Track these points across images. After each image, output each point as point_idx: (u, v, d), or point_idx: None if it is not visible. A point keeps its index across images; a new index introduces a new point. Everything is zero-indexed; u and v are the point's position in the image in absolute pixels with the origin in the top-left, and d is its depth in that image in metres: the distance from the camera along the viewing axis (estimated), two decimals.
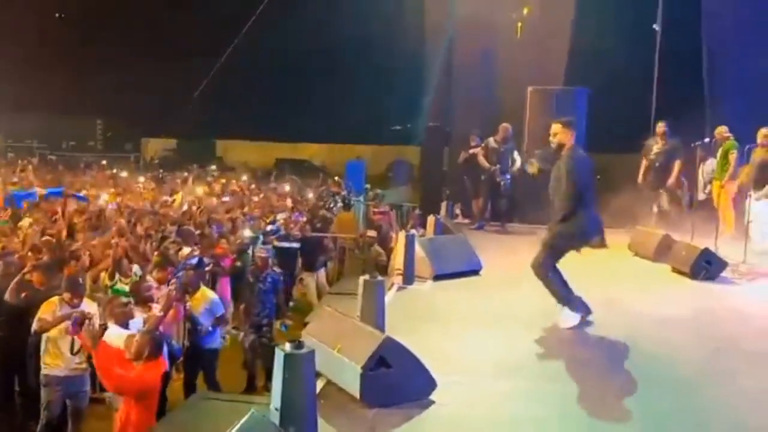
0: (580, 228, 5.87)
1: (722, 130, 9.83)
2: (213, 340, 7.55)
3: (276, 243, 10.74)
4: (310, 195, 16.71)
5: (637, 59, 12.19)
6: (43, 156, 31.40)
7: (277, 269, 8.72)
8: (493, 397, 4.61)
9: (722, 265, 7.89)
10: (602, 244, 6.11)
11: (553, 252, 5.90)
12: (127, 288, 7.18)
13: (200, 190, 15.63)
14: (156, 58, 31.37)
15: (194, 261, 8.48)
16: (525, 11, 12.65)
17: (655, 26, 11.62)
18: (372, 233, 11.07)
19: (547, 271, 5.87)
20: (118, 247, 7.80)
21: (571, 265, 7.87)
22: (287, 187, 17.46)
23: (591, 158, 6.03)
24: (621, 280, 7.76)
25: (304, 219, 11.98)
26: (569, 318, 5.92)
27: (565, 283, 5.92)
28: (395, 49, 20.17)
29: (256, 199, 15.07)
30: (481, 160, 10.61)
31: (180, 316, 7.11)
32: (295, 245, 11.12)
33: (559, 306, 5.96)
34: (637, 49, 12.16)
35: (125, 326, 5.93)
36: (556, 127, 5.91)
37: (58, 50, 31.89)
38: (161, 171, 24.48)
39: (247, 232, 10.32)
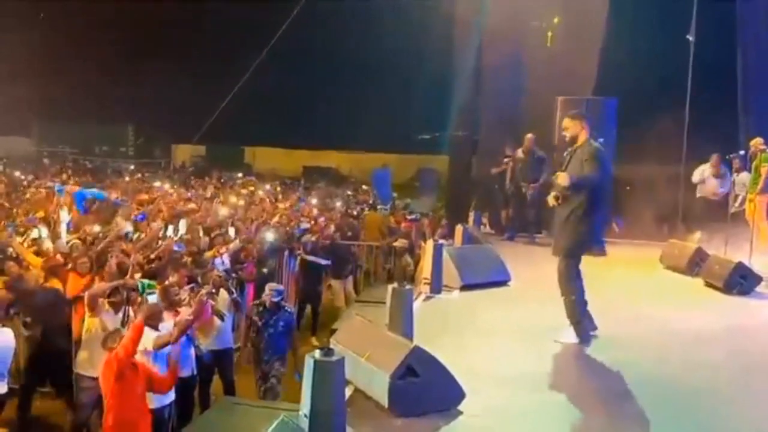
0: (585, 235, 5.74)
1: (758, 142, 9.63)
2: (228, 340, 7.59)
3: (304, 256, 10.62)
4: (338, 204, 16.74)
5: (670, 70, 12.03)
6: (76, 161, 31.96)
7: (289, 308, 7.88)
8: (522, 409, 4.56)
9: (757, 279, 7.73)
10: (602, 252, 5.95)
11: (574, 260, 5.79)
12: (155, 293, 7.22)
13: (233, 197, 15.76)
14: (187, 66, 31.83)
15: (219, 262, 8.57)
16: (555, 20, 12.58)
17: (688, 36, 11.46)
18: (403, 242, 11.05)
19: (571, 281, 5.77)
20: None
21: (601, 277, 7.79)
22: (314, 199, 17.50)
23: (609, 156, 5.92)
24: (652, 294, 7.64)
25: (333, 229, 11.98)
26: (570, 335, 5.81)
27: (583, 302, 5.81)
28: (423, 58, 20.19)
29: (281, 206, 15.15)
30: (507, 172, 10.60)
31: (207, 316, 7.15)
32: (324, 262, 10.82)
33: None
34: (671, 60, 12.01)
35: (156, 329, 6.00)
36: (566, 122, 5.90)
37: (90, 57, 32.49)
38: (192, 178, 24.76)
39: (270, 236, 10.31)
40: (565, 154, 6.02)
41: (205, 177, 25.26)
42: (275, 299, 7.34)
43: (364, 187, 21.69)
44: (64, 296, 7.15)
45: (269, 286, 7.55)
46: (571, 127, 5.82)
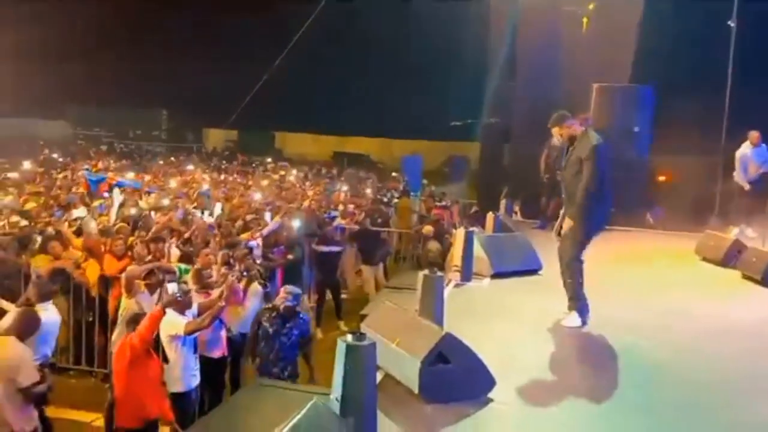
0: (589, 223, 5.74)
1: None
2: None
3: (315, 247, 10.53)
4: (368, 191, 16.75)
5: (709, 57, 11.74)
6: (111, 145, 32.50)
7: (305, 314, 6.91)
8: (552, 398, 4.53)
9: None
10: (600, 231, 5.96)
11: (582, 246, 5.80)
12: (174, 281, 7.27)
13: (263, 182, 15.90)
14: (219, 51, 32.07)
15: (254, 245, 8.66)
16: (591, 5, 12.35)
17: (730, 23, 11.15)
18: (429, 228, 11.00)
19: (576, 266, 5.79)
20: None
21: (635, 267, 7.69)
22: (344, 186, 17.53)
23: (608, 143, 5.82)
24: (687, 286, 7.50)
25: (362, 215, 12.01)
26: (575, 319, 5.83)
27: (582, 285, 5.84)
28: (457, 44, 20.03)
29: (311, 193, 15.23)
30: (542, 160, 10.47)
31: (239, 299, 7.25)
32: (336, 249, 10.73)
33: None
34: (710, 47, 11.71)
35: (183, 314, 6.09)
36: (554, 131, 5.95)
37: (125, 43, 32.92)
38: (224, 162, 25.01)
39: (297, 223, 10.36)
40: (564, 149, 6.05)
41: (234, 162, 25.53)
42: (290, 304, 6.48)
43: (393, 174, 21.64)
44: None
45: (284, 289, 6.71)
46: (564, 132, 5.86)
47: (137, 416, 5.47)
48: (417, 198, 15.52)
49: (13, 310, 5.74)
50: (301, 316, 6.65)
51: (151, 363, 5.58)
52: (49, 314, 6.09)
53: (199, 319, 6.04)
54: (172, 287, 6.20)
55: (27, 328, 5.38)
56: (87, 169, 14.51)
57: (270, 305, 6.69)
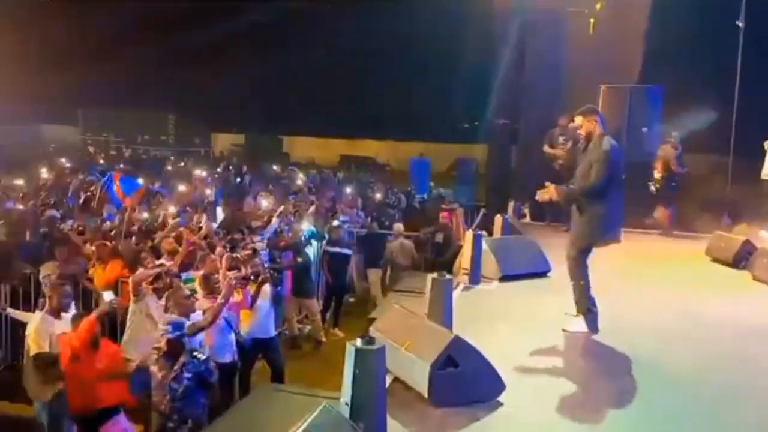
0: (598, 225, 5.63)
1: None
2: (270, 329, 7.63)
3: (328, 248, 10.60)
4: (378, 195, 16.72)
5: (718, 56, 11.68)
6: (119, 149, 32.66)
7: (200, 353, 5.28)
8: (563, 401, 4.50)
9: None
10: (616, 240, 5.84)
11: (582, 245, 5.73)
12: (196, 278, 7.31)
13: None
14: (226, 55, 32.16)
15: (263, 253, 8.67)
16: (598, 6, 12.29)
17: (738, 23, 11.09)
18: (399, 227, 11.35)
19: (580, 268, 5.71)
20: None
21: (644, 269, 7.65)
22: (348, 189, 17.54)
23: (622, 150, 5.72)
24: (696, 287, 7.45)
25: (369, 219, 12.02)
26: (580, 324, 5.75)
27: (590, 292, 5.76)
28: (463, 46, 20.00)
29: (313, 198, 15.20)
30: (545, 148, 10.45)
31: (246, 303, 7.24)
32: (347, 251, 10.82)
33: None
34: (719, 47, 11.65)
35: (186, 317, 6.08)
36: (578, 119, 5.77)
37: (132, 47, 33.06)
38: (230, 167, 25.01)
39: (304, 225, 10.38)
40: (579, 145, 5.92)
41: (242, 166, 25.51)
42: (171, 336, 5.14)
43: (393, 189, 21.60)
44: None
45: (163, 319, 5.48)
46: (584, 125, 5.70)
47: (87, 405, 5.54)
48: (422, 200, 15.52)
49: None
50: (194, 354, 5.14)
51: (98, 355, 5.62)
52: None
53: (201, 319, 6.05)
54: (107, 295, 6.32)
55: (60, 298, 5.80)
56: (98, 173, 14.58)
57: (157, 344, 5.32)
